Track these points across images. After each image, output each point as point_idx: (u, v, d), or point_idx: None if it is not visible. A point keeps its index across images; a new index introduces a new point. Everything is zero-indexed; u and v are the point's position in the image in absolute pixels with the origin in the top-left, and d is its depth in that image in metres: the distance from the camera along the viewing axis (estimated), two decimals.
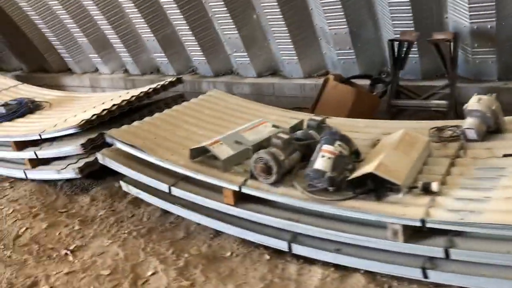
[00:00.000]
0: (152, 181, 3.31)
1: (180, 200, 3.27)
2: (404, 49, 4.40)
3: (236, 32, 5.66)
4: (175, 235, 3.31)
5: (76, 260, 3.21)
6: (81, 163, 3.99)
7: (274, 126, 3.37)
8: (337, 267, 2.70)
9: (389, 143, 2.89)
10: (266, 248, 2.97)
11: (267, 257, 2.92)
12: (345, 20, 4.84)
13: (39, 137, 4.24)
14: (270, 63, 5.96)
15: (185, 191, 3.18)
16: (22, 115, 5.08)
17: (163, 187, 3.27)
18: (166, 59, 6.57)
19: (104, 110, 4.13)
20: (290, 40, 5.38)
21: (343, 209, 2.57)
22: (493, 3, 3.99)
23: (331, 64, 5.48)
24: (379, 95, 4.59)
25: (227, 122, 3.81)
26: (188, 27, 5.93)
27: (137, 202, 3.79)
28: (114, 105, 4.21)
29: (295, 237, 2.83)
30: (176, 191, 3.22)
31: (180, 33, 6.17)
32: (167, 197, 3.33)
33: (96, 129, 4.07)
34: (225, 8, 5.47)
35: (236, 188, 2.93)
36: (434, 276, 2.38)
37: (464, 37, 4.33)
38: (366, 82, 4.76)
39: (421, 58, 4.69)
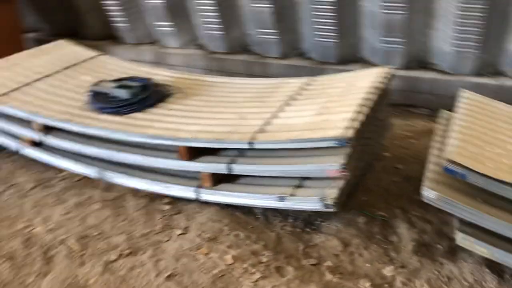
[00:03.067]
0: None
1: None
2: None
3: None
4: None
5: None
6: (331, 190, 2.70)
7: None
8: None
9: None
10: None
11: None
12: None
13: (247, 146, 2.87)
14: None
15: None
16: (153, 104, 3.60)
17: None
18: (275, 37, 5.24)
19: (359, 112, 2.84)
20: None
21: None
22: None
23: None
24: None
25: None
26: None
27: (449, 256, 2.61)
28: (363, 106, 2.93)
29: None
30: None
31: None
32: None
33: None
34: None
35: None
36: None
37: None
38: None
39: None
